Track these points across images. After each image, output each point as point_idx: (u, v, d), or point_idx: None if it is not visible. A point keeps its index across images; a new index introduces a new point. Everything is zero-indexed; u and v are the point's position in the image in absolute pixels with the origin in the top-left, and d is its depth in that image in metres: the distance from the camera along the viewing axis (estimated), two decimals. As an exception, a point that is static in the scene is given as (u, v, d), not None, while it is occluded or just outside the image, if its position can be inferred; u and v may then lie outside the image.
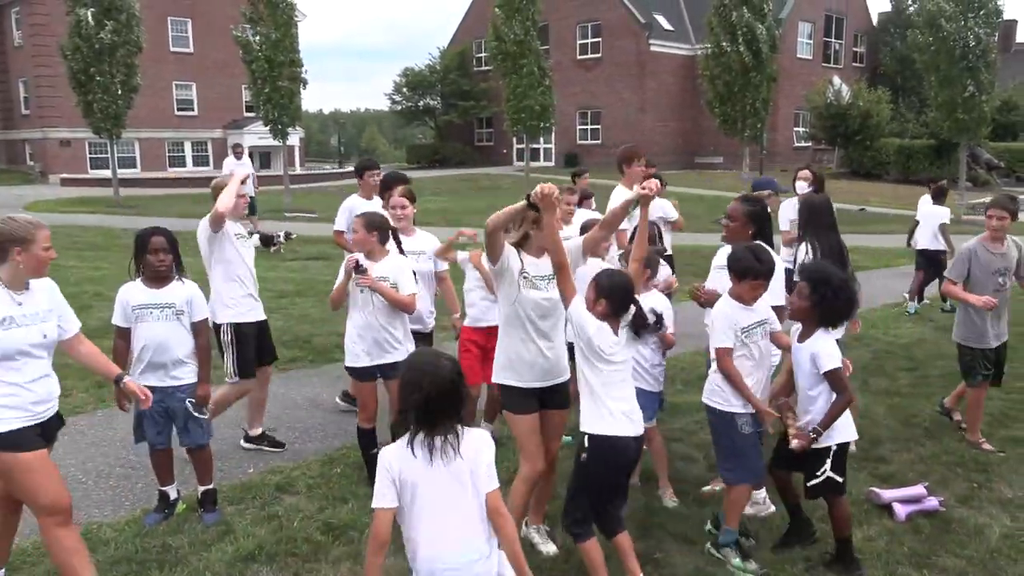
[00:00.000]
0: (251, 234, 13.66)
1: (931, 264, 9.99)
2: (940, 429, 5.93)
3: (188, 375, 4.41)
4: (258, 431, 5.64)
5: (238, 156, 16.68)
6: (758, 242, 4.27)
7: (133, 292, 4.33)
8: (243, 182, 5.29)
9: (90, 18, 21.62)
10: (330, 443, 5.74)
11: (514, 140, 35.47)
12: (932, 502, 4.62)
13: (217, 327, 5.15)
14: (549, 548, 4.08)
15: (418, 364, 2.80)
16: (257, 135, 34.41)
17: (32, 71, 33.92)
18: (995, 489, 4.93)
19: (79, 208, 22.77)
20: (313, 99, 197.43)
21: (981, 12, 22.22)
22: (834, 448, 3.82)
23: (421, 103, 44.86)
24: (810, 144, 35.19)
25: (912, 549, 4.21)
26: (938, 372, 7.43)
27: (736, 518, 4.04)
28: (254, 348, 5.33)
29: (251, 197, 16.03)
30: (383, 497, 2.68)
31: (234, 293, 5.20)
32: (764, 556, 4.09)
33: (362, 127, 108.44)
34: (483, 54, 37.50)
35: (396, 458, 2.71)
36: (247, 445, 5.60)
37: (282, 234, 14.10)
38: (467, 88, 41.48)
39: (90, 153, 34.86)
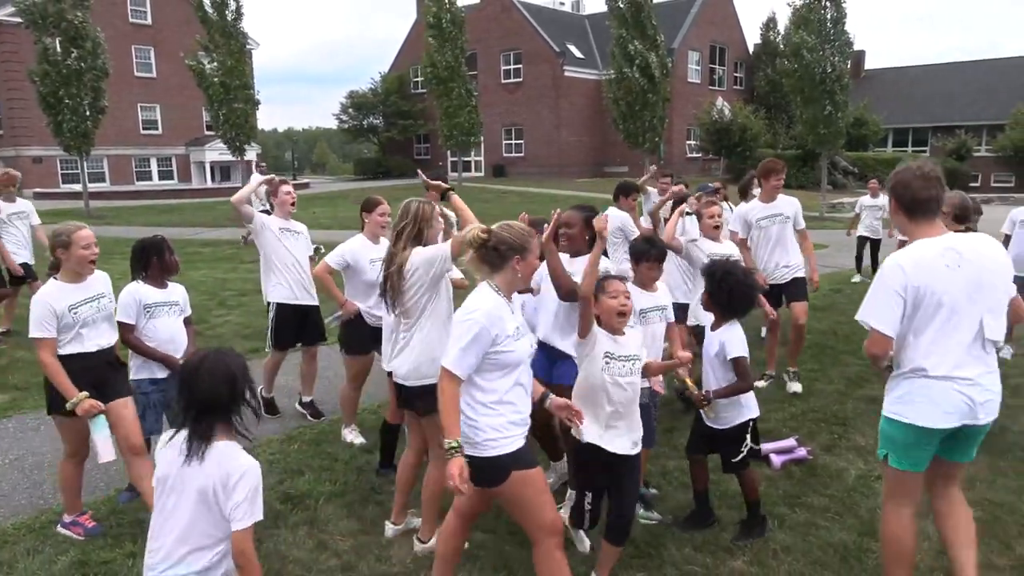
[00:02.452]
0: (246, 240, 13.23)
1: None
2: (808, 393, 6.15)
3: None
4: (308, 399, 5.77)
5: (262, 172, 16.68)
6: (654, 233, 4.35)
7: (144, 291, 4.14)
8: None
9: (57, 46, 20.56)
10: (287, 423, 5.62)
11: (448, 153, 35.25)
12: (801, 452, 4.80)
13: (269, 304, 5.39)
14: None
15: (190, 360, 2.46)
16: (217, 151, 33.35)
17: (4, 94, 31.97)
18: (852, 439, 5.15)
19: (52, 219, 21.62)
20: (268, 118, 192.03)
21: (836, 44, 23.12)
22: (750, 423, 3.77)
23: (365, 122, 44.13)
24: (700, 155, 36.02)
25: (786, 491, 4.37)
26: (806, 344, 7.70)
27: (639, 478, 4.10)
28: (293, 327, 5.45)
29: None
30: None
31: (279, 279, 5.35)
32: (665, 503, 4.19)
33: (313, 143, 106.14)
34: (419, 78, 37.10)
35: (159, 449, 2.44)
36: (299, 408, 5.76)
37: (313, 248, 13.66)
38: (406, 108, 41.04)
39: (61, 169, 33.13)
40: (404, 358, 3.62)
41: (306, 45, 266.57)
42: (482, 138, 33.47)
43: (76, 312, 3.75)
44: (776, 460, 4.68)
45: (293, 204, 5.58)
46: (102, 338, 3.88)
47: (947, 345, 2.83)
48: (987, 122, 36.48)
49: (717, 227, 5.22)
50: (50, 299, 3.70)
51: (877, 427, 5.34)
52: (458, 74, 22.36)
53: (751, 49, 41.65)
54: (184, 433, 2.34)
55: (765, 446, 4.82)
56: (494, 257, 2.89)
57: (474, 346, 2.76)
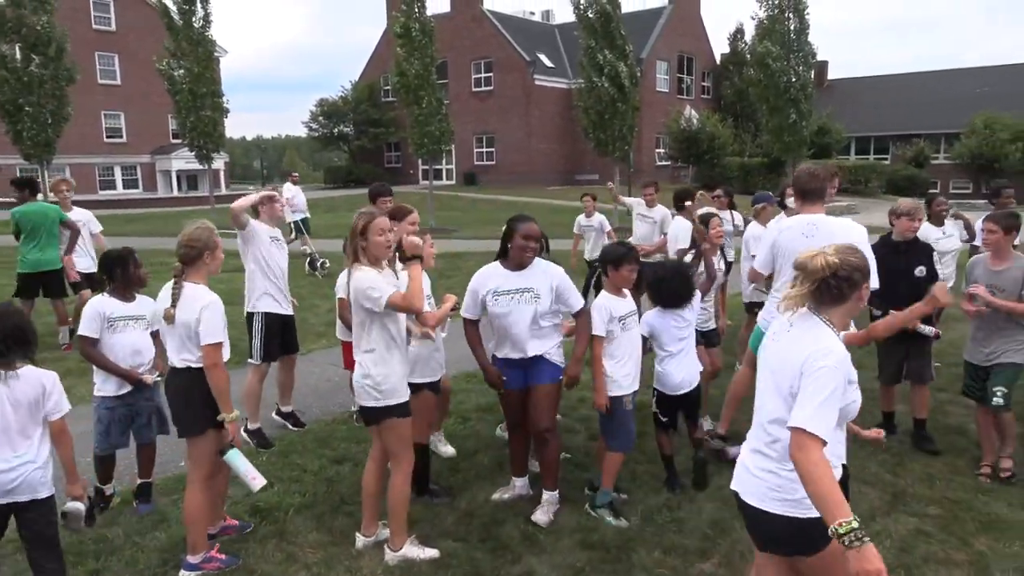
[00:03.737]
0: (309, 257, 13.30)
1: None
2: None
3: (153, 378, 4.25)
4: (288, 409, 5.70)
5: (294, 182, 16.51)
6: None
7: (108, 305, 4.09)
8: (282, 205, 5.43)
9: (17, 53, 20.11)
10: (256, 434, 5.55)
11: (419, 162, 35.14)
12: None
13: (250, 315, 5.21)
14: (431, 552, 3.73)
15: None
16: (184, 160, 32.92)
17: (-39, 102, 31.27)
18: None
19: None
20: (236, 126, 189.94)
21: (800, 54, 23.63)
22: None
23: (336, 130, 43.88)
24: (669, 163, 36.43)
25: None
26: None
27: (612, 481, 4.15)
28: (279, 337, 5.32)
29: (306, 217, 15.55)
30: None
31: (267, 289, 5.20)
32: (634, 507, 4.23)
33: (282, 151, 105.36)
34: (389, 87, 37.03)
35: None
36: (276, 418, 5.63)
37: (319, 262, 13.62)
38: (376, 116, 40.93)
39: (22, 178, 32.43)
40: (356, 373, 3.62)
41: (276, 53, 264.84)
42: (453, 146, 33.48)
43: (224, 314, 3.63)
44: (732, 450, 4.73)
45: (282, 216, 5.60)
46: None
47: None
48: (945, 131, 37.45)
49: None
50: (220, 303, 3.58)
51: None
52: (428, 83, 22.26)
53: (718, 59, 42.29)
54: None
55: (733, 450, 4.88)
56: (844, 288, 2.40)
57: (833, 400, 2.28)
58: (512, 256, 3.98)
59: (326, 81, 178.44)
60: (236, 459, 3.55)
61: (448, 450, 5.04)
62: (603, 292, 4.11)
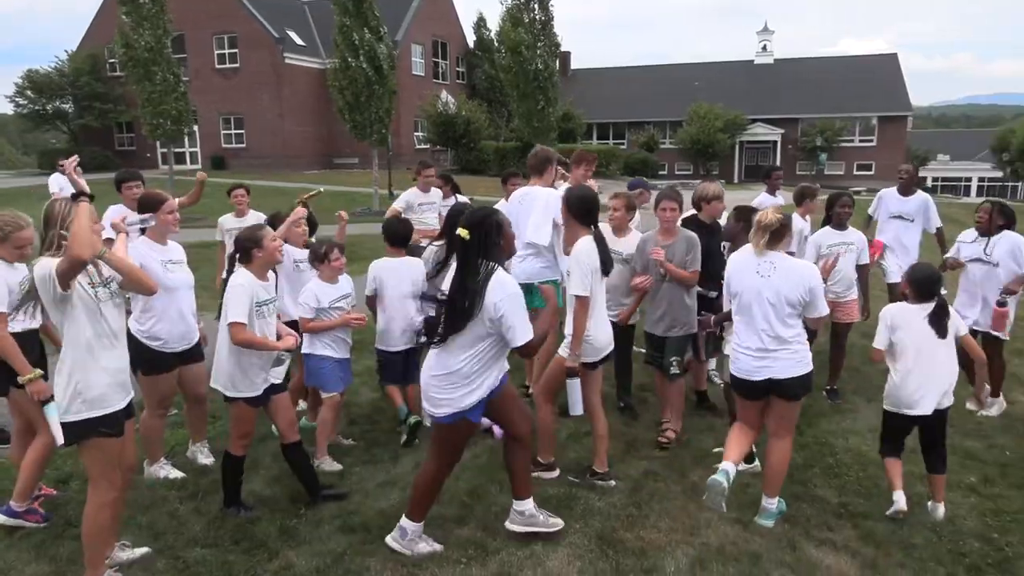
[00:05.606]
0: None
1: None
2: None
3: None
4: None
5: (63, 171, 12.87)
6: None
7: None
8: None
9: None
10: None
11: (157, 144, 31.92)
12: (520, 420, 5.19)
13: None
14: None
15: None
16: None
17: None
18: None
19: None
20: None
21: (546, 44, 25.23)
22: None
23: (50, 107, 38.08)
24: (428, 146, 36.90)
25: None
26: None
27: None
28: None
29: None
30: None
31: None
32: (393, 486, 4.29)
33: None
34: (116, 59, 33.02)
35: None
36: None
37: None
38: (103, 92, 36.20)
39: None
40: (56, 385, 3.19)
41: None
42: (196, 127, 30.86)
43: None
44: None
45: None
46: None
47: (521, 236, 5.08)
48: (670, 119, 42.30)
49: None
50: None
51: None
52: (162, 57, 20.19)
53: (471, 45, 43.53)
54: None
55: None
56: (783, 231, 3.90)
57: None
58: None
59: (34, 50, 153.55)
60: (51, 413, 3.44)
61: (207, 461, 4.64)
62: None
